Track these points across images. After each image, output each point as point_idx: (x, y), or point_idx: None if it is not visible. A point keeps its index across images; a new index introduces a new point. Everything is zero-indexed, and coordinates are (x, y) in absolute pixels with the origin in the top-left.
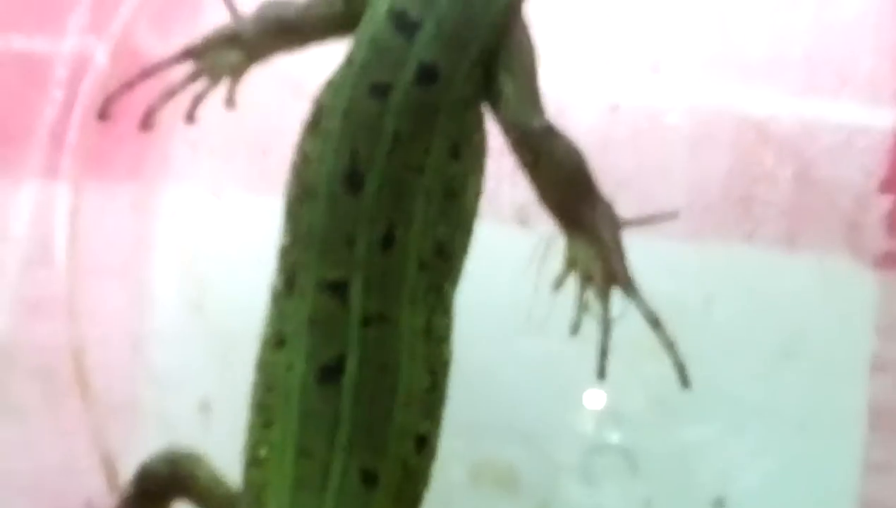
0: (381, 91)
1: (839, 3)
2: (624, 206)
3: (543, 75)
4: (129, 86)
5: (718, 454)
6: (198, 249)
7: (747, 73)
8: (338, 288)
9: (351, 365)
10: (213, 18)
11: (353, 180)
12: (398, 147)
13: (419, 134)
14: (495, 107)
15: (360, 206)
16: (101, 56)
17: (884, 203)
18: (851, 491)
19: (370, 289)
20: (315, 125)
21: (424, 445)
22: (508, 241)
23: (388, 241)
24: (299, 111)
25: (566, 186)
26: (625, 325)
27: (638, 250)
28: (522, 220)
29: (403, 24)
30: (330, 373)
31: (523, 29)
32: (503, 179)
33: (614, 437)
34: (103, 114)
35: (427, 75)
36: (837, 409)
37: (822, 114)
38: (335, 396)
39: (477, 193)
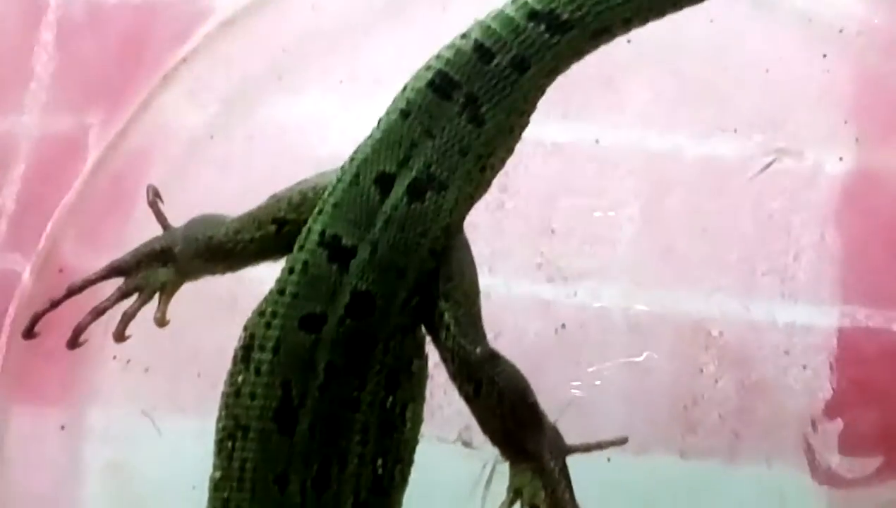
0: (313, 323)
1: (777, 202)
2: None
3: None
4: (55, 304)
5: None
6: (129, 470)
7: (687, 276)
8: None
9: None
10: (141, 232)
11: (286, 417)
12: (332, 381)
13: (354, 367)
14: (434, 334)
15: (292, 445)
16: (26, 273)
17: (834, 422)
18: None
19: None
20: (245, 355)
21: None
22: (451, 464)
23: (322, 481)
24: (234, 328)
25: (510, 415)
26: None
27: (579, 464)
28: (466, 441)
29: (337, 250)
30: None
31: (463, 251)
32: (449, 395)
33: None
34: (29, 333)
35: (362, 305)
36: None
37: (762, 316)
38: None
39: (417, 423)
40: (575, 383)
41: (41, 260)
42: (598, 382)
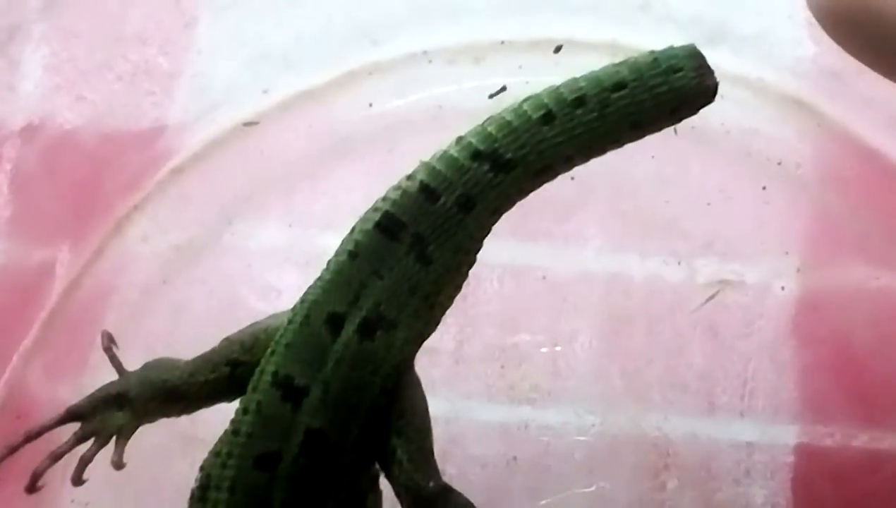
0: (268, 461)
1: (727, 327)
2: None
3: None
4: (13, 450)
5: None
6: None
7: (644, 398)
8: None
9: None
10: (97, 375)
11: None
12: None
13: (309, 504)
14: (387, 470)
15: None
16: None
17: None
18: None
19: None
20: (203, 496)
21: None
22: None
23: None
24: (190, 466)
25: None
26: None
27: None
28: None
29: (290, 390)
30: None
31: (414, 388)
32: None
33: None
34: None
35: (315, 443)
36: None
37: (722, 435)
38: None
39: None
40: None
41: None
42: None
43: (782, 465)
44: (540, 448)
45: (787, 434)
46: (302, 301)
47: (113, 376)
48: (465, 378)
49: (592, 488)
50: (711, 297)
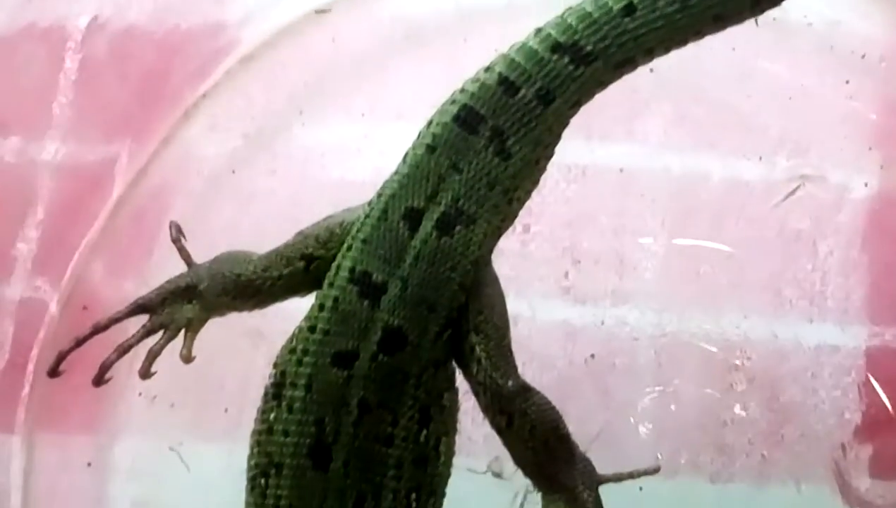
0: (345, 359)
1: (803, 225)
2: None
3: None
4: (80, 342)
5: None
6: (157, 506)
7: (714, 300)
8: None
9: None
10: (164, 267)
11: (320, 454)
12: (365, 417)
13: (387, 402)
14: (465, 367)
15: (327, 481)
16: (52, 305)
17: (864, 446)
18: None
19: None
20: (277, 393)
21: None
22: (482, 495)
23: None
24: (259, 359)
25: (541, 447)
26: None
27: (611, 493)
28: (497, 472)
29: (367, 287)
30: None
31: (492, 285)
32: (477, 424)
33: None
34: (54, 371)
35: (394, 341)
36: None
37: (791, 337)
38: None
39: (449, 456)
40: (605, 412)
41: (66, 297)
42: (627, 412)
43: (852, 368)
44: (609, 349)
45: (858, 337)
46: (378, 195)
47: (178, 269)
48: (533, 277)
49: (661, 389)
50: (790, 194)
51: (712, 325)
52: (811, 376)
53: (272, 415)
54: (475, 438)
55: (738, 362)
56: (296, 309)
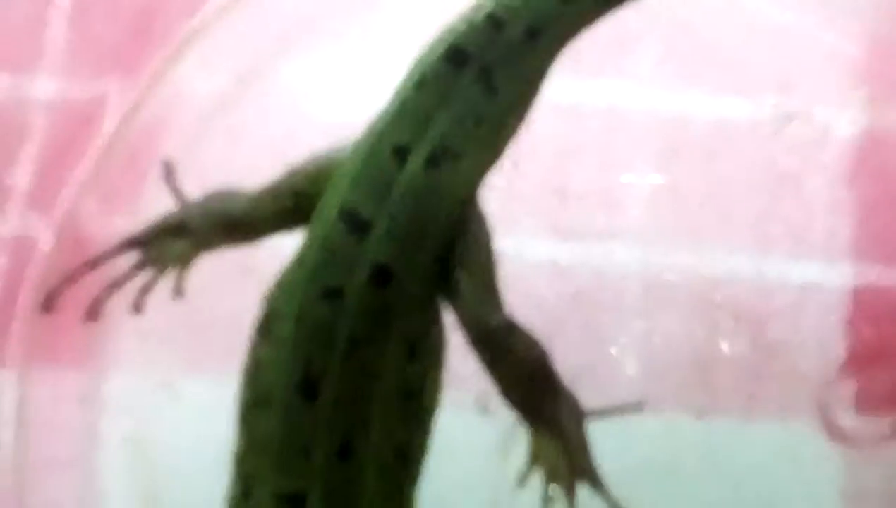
0: (333, 295)
1: (789, 163)
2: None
3: None
4: (72, 278)
5: None
6: (148, 441)
7: (700, 237)
8: (295, 501)
9: None
10: (156, 203)
11: (308, 388)
12: (353, 352)
13: (374, 337)
14: (452, 303)
15: (316, 415)
16: (44, 241)
17: (849, 382)
18: None
19: (329, 501)
20: (266, 329)
21: None
22: (469, 430)
23: (345, 451)
24: (250, 293)
25: (528, 382)
26: None
27: (597, 428)
28: (483, 407)
29: (355, 223)
30: None
31: (479, 221)
32: (465, 358)
33: None
34: (46, 307)
35: (381, 276)
36: None
37: (776, 274)
38: None
39: (436, 390)
40: (591, 349)
41: (58, 233)
42: (613, 349)
43: (837, 306)
44: (595, 286)
45: (844, 275)
46: (367, 132)
47: (170, 206)
48: (518, 215)
49: (647, 326)
50: (778, 130)
51: (698, 263)
52: (797, 313)
53: (261, 351)
54: (462, 373)
55: (723, 300)
56: (287, 246)
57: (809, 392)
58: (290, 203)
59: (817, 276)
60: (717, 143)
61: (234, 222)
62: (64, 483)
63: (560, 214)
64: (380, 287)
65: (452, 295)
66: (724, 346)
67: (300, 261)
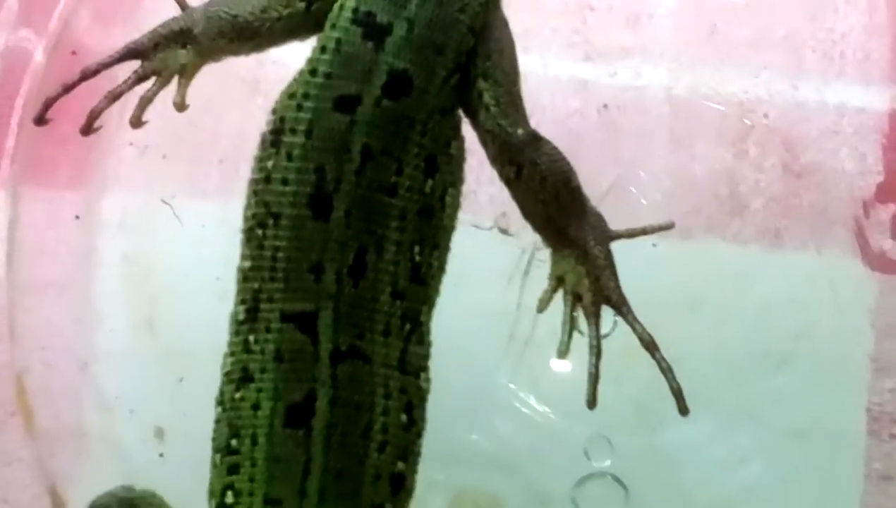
0: (348, 104)
1: None
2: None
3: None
4: (68, 88)
5: (706, 459)
6: (147, 261)
7: (731, 55)
8: (305, 321)
9: (321, 405)
10: (157, 10)
11: (320, 203)
12: (368, 165)
13: (391, 150)
14: (473, 115)
15: (327, 232)
16: (38, 53)
17: (886, 206)
18: (853, 500)
19: (340, 322)
20: (275, 140)
21: (401, 486)
22: (488, 251)
23: (359, 269)
24: (255, 110)
25: (552, 199)
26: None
27: (619, 250)
28: (503, 228)
29: (371, 28)
30: (299, 415)
31: (502, 28)
32: (482, 181)
33: (604, 463)
34: (40, 119)
35: (398, 85)
36: (834, 414)
37: (811, 97)
38: (304, 441)
39: (455, 208)
40: (617, 167)
41: (53, 41)
42: (641, 170)
43: (875, 128)
44: (621, 102)
45: (881, 97)
46: None
47: (172, 13)
48: (544, 29)
49: (674, 147)
50: None
51: (728, 81)
52: (832, 135)
53: (270, 163)
54: (480, 195)
55: (755, 120)
56: (294, 58)
57: (844, 216)
58: (301, 7)
59: (854, 98)
60: None
61: (241, 28)
62: (59, 305)
63: (586, 31)
64: (398, 96)
65: (474, 107)
66: (755, 170)
67: (312, 68)
